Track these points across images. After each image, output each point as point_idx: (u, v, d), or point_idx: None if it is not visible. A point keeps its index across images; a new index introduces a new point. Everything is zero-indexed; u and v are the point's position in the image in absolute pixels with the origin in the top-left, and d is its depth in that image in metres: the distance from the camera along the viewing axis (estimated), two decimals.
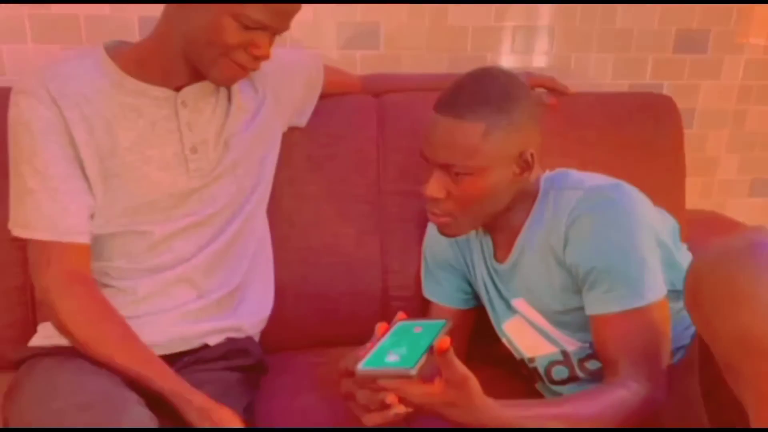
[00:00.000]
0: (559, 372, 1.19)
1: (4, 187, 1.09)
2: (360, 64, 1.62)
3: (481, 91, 1.07)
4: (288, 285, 1.34)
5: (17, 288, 1.27)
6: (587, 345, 1.15)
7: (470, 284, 1.31)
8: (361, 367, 0.84)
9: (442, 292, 1.32)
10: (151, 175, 1.08)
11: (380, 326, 0.91)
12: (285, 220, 1.35)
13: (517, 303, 1.20)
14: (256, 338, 1.26)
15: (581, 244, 1.07)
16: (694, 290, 0.85)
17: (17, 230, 1.06)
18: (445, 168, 1.07)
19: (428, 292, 1.34)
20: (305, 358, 1.34)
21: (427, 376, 0.89)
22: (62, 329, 1.03)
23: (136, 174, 1.08)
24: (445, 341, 0.83)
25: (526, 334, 1.21)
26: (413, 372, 0.81)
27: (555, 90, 1.51)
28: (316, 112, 1.37)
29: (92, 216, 1.08)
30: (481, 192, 1.08)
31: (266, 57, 1.06)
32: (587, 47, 1.73)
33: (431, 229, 1.33)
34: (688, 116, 1.79)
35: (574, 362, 1.17)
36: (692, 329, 1.14)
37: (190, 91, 1.11)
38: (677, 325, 1.11)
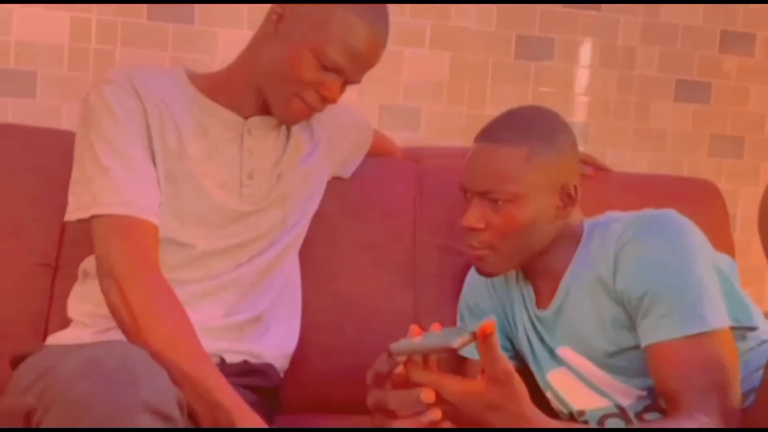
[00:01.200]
0: (614, 425, 1.05)
1: None
2: (400, 145, 1.66)
3: (523, 119, 1.07)
4: (314, 332, 1.27)
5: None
6: (645, 394, 1.03)
7: (509, 340, 1.22)
8: (397, 343, 0.76)
9: None
10: (207, 189, 1.10)
11: (414, 327, 0.83)
12: (316, 266, 1.31)
13: (563, 351, 1.10)
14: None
15: (632, 268, 1.00)
16: None
17: (82, 211, 1.02)
18: (485, 196, 1.04)
19: (465, 350, 1.23)
20: (326, 421, 1.21)
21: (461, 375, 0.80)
22: (124, 313, 0.95)
23: (193, 183, 1.09)
24: (490, 325, 0.75)
25: (573, 385, 1.09)
26: (455, 344, 0.73)
27: (596, 166, 1.51)
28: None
29: (166, 208, 1.07)
30: (521, 222, 1.04)
31: (333, 101, 1.11)
32: (622, 144, 1.76)
33: (469, 280, 1.26)
34: (731, 222, 1.76)
35: (631, 416, 1.04)
36: (761, 372, 1.02)
37: (257, 121, 1.15)
38: (745, 367, 0.99)
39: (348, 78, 1.10)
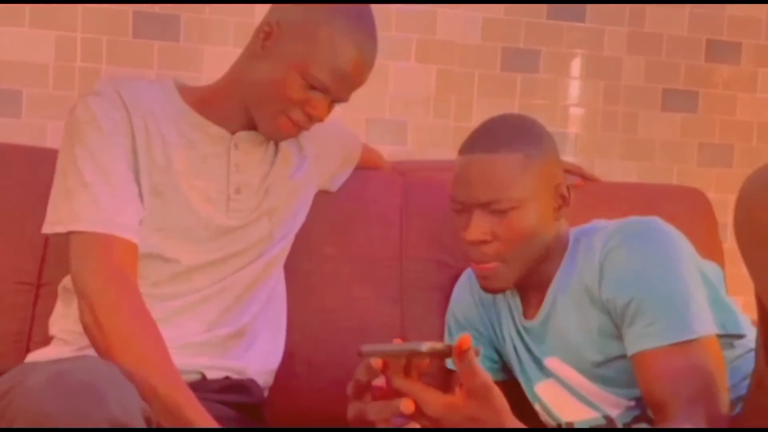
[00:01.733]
0: None
1: None
2: (387, 159, 1.65)
3: (510, 126, 1.07)
4: (299, 347, 1.26)
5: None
6: (633, 404, 1.02)
7: (497, 353, 1.20)
8: (369, 345, 0.76)
9: None
10: (193, 204, 1.09)
11: (396, 341, 0.82)
12: (302, 279, 1.30)
13: (551, 362, 1.09)
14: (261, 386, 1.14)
15: (617, 275, 0.99)
16: (747, 202, 0.75)
17: (61, 226, 1.00)
18: (487, 207, 1.02)
19: (452, 363, 1.22)
20: None
21: (447, 388, 0.79)
22: (95, 331, 0.94)
23: (179, 197, 1.08)
24: (466, 340, 0.74)
25: (562, 397, 1.08)
26: (423, 348, 0.72)
27: (583, 176, 1.51)
28: None
29: (149, 222, 1.06)
30: (527, 228, 1.02)
31: (320, 119, 1.10)
32: (610, 154, 1.75)
33: (456, 293, 1.25)
34: (721, 230, 1.75)
35: (620, 426, 1.02)
36: (748, 380, 1.01)
37: (244, 136, 1.14)
38: (733, 375, 0.98)
39: (335, 97, 1.10)
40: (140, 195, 1.05)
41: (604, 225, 1.07)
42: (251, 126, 1.13)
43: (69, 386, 0.73)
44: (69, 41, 1.54)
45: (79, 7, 1.53)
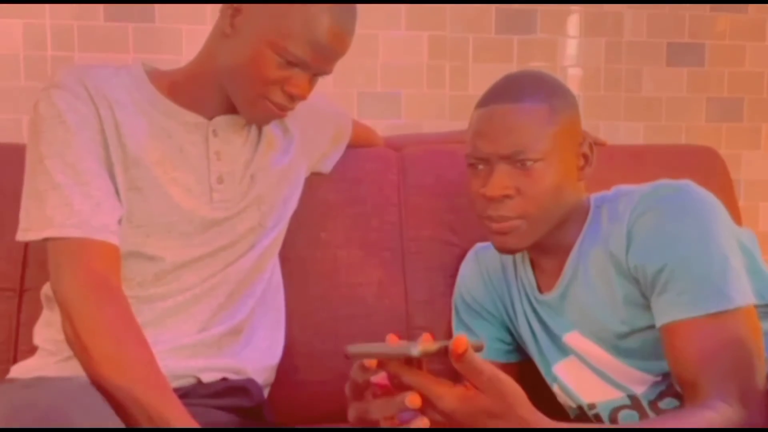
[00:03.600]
0: (628, 417, 0.98)
1: None
2: (381, 133, 1.58)
3: (534, 79, 1.01)
4: (300, 339, 1.20)
5: None
6: (659, 379, 0.95)
7: (510, 333, 1.14)
8: (355, 345, 0.69)
9: None
10: (174, 197, 1.01)
11: (391, 336, 0.75)
12: (299, 267, 1.24)
13: (570, 338, 1.02)
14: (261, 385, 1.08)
15: (647, 241, 0.91)
16: None
17: (34, 233, 0.93)
18: (510, 159, 0.95)
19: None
20: None
21: (457, 377, 0.72)
22: (77, 342, 0.88)
23: (158, 191, 1.01)
24: (461, 343, 0.67)
25: (583, 376, 1.02)
26: (414, 351, 0.66)
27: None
28: None
29: (128, 220, 0.99)
30: (553, 182, 0.96)
31: (303, 97, 1.02)
32: (615, 115, 1.67)
33: (462, 273, 1.19)
34: (735, 188, 1.68)
35: (645, 405, 0.96)
36: None
37: (223, 121, 1.07)
38: None
39: (315, 71, 1.01)
40: (117, 192, 0.98)
41: (628, 190, 1.00)
42: (229, 109, 1.06)
43: (35, 415, 0.67)
44: (38, 29, 1.46)
45: None
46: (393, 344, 0.71)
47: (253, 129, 1.11)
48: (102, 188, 0.96)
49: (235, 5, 0.99)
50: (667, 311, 0.88)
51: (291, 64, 0.98)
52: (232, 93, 1.03)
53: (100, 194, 0.95)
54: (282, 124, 1.16)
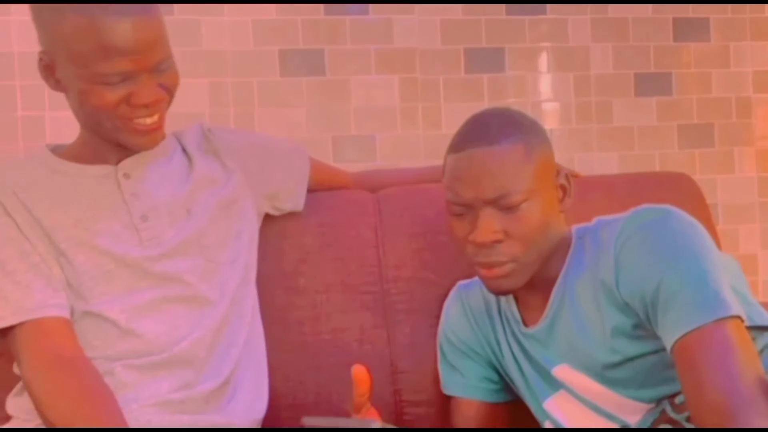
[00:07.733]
0: None
1: None
2: None
3: (503, 118, 1.01)
4: (283, 390, 1.17)
5: None
6: (653, 405, 0.94)
7: (497, 372, 1.12)
8: (308, 417, 0.72)
9: (466, 384, 1.13)
10: (101, 247, 1.02)
11: (356, 367, 0.80)
12: (278, 317, 1.22)
13: (559, 371, 1.01)
14: None
15: (637, 265, 0.91)
16: None
17: None
18: (495, 203, 0.95)
19: (449, 388, 1.14)
20: None
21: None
22: (44, 422, 0.93)
23: (83, 248, 1.02)
24: None
25: (575, 410, 1.00)
26: (377, 424, 0.68)
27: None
28: (307, 203, 1.29)
29: (68, 286, 1.01)
30: (539, 221, 0.96)
31: (154, 102, 0.99)
32: (588, 147, 1.69)
33: (446, 314, 1.17)
34: (711, 212, 1.69)
35: None
36: None
37: (130, 163, 1.07)
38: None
39: (145, 71, 0.96)
40: (47, 264, 1.00)
41: (609, 220, 1.01)
42: (132, 150, 1.06)
43: None
44: None
45: None
46: (350, 419, 0.74)
47: (181, 163, 1.12)
48: (28, 269, 0.99)
49: (43, 64, 1.00)
50: (676, 326, 0.86)
51: (114, 82, 0.96)
52: (101, 136, 1.04)
53: (29, 276, 0.99)
54: (218, 160, 1.16)
